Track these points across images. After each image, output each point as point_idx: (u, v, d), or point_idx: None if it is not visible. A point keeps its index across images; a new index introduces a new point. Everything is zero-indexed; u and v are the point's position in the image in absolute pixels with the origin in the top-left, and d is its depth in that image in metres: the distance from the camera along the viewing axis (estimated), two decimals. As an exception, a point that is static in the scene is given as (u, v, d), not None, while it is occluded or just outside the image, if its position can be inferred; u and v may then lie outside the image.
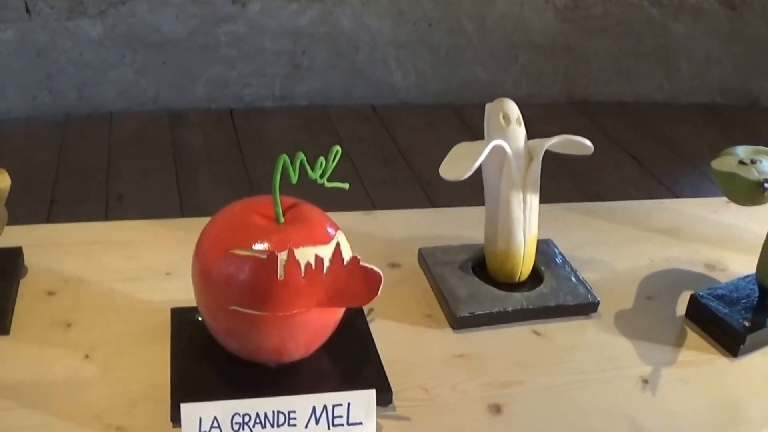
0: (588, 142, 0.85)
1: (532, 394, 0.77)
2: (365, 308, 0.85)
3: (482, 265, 0.91)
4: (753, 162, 0.83)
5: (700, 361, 0.83)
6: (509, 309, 0.84)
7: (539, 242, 0.95)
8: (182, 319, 0.81)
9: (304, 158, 0.70)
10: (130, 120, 2.75)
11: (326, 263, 0.67)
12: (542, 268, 0.91)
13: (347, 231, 0.98)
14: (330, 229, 0.71)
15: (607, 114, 3.05)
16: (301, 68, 2.85)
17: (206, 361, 0.75)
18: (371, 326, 0.83)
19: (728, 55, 3.16)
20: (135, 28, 2.68)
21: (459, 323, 0.83)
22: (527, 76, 3.04)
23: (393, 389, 0.74)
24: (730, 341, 0.85)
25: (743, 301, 0.89)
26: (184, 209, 2.28)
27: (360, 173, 2.47)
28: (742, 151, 0.89)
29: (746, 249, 1.03)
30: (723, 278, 0.96)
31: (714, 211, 1.13)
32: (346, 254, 0.69)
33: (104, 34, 2.68)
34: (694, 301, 0.89)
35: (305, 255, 0.67)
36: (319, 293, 0.68)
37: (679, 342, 0.86)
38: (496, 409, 0.74)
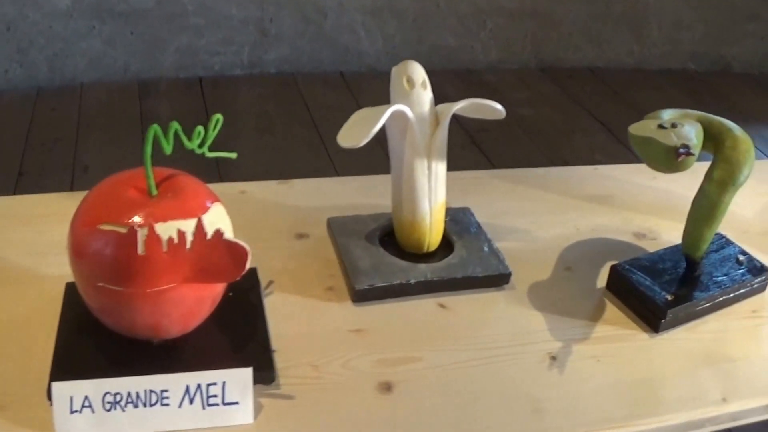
0: (498, 106, 0.78)
1: (427, 371, 0.71)
2: (264, 281, 0.79)
3: (393, 236, 0.84)
4: (674, 126, 0.76)
5: (617, 336, 0.77)
6: (412, 281, 0.78)
7: (455, 211, 0.89)
8: (75, 295, 0.75)
9: (179, 128, 0.65)
10: (101, 90, 2.68)
11: (189, 238, 0.61)
12: (454, 238, 0.85)
13: (262, 201, 0.93)
14: (207, 202, 0.65)
15: (577, 79, 2.97)
16: (269, 36, 2.77)
17: (91, 337, 0.70)
18: (268, 299, 0.77)
19: (699, 20, 3.07)
20: (102, -2, 2.60)
21: (358, 296, 0.77)
22: (496, 42, 2.96)
23: (281, 366, 0.69)
24: (651, 316, 0.79)
25: (669, 272, 0.83)
26: (147, 178, 2.21)
27: (325, 141, 2.40)
28: (668, 114, 0.83)
29: (681, 217, 0.95)
30: (653, 248, 0.89)
31: (652, 178, 1.07)
32: (212, 228, 0.62)
33: (72, 5, 2.59)
34: (614, 272, 0.83)
35: (168, 229, 0.61)
36: (183, 268, 0.62)
37: (596, 316, 0.79)
38: (387, 387, 0.68)
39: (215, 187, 0.94)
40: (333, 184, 0.98)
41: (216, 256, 0.62)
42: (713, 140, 0.81)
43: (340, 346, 0.72)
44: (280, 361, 0.70)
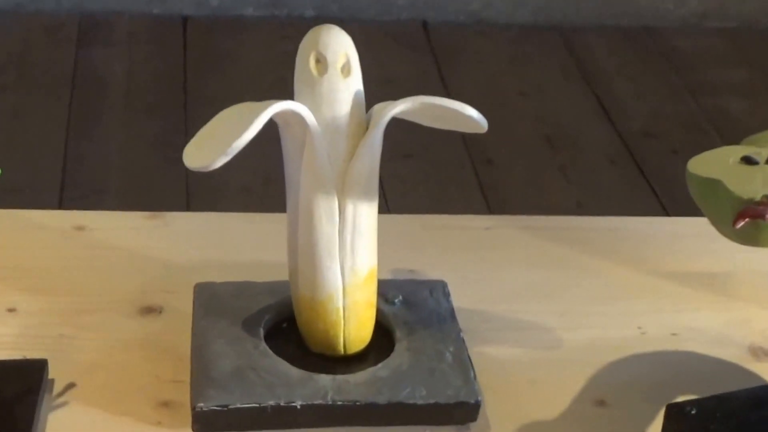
0: (474, 113, 0.79)
1: None
2: (60, 383, 0.83)
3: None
4: (772, 159, 0.76)
5: None
6: (298, 404, 0.79)
7: (416, 287, 0.91)
8: None
9: None
10: (14, 27, 2.78)
11: None
12: (400, 334, 0.86)
13: (106, 245, 0.97)
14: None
15: None
16: (304, -45, 2.84)
17: None
18: (58, 414, 0.80)
19: None
20: None
21: (203, 422, 0.79)
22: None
23: None
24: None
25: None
26: (66, 182, 2.30)
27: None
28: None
29: None
30: (777, 377, 0.88)
31: (824, 248, 1.05)
32: None
33: None
34: (672, 416, 0.82)
35: None
36: None
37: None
38: None
39: (22, 217, 0.98)
40: (237, 223, 1.01)
41: None
42: None
43: None
44: None
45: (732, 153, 0.77)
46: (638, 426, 0.85)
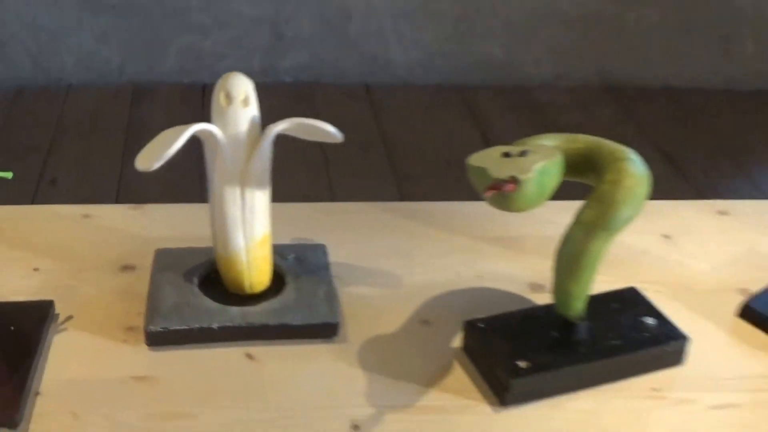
0: (332, 129, 0.81)
1: (201, 430, 0.73)
2: (62, 315, 0.84)
3: (225, 274, 0.88)
4: (523, 154, 0.77)
5: (452, 407, 0.76)
6: (215, 326, 0.81)
7: (305, 248, 0.93)
8: None
9: None
10: (89, 94, 2.80)
11: None
12: (289, 279, 0.88)
13: (103, 226, 0.98)
14: None
15: (647, 101, 2.93)
16: (284, 39, 2.85)
17: None
18: (59, 337, 0.82)
19: (806, 34, 3.00)
20: (96, -12, 2.74)
21: (152, 339, 0.81)
22: (552, 55, 2.95)
23: (40, 411, 0.73)
24: (498, 385, 0.78)
25: (537, 335, 0.82)
26: (120, 196, 2.31)
27: (329, 161, 2.45)
28: (541, 140, 0.83)
29: (605, 268, 0.95)
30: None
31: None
32: None
33: (60, -7, 2.73)
34: (468, 329, 0.83)
35: None
36: None
37: (436, 381, 0.79)
38: (144, 446, 0.71)
39: (50, 210, 1.00)
40: (191, 210, 1.02)
41: None
42: (596, 172, 0.80)
43: (115, 395, 0.76)
44: (42, 405, 0.74)
45: (498, 150, 0.78)
46: (449, 337, 0.86)
